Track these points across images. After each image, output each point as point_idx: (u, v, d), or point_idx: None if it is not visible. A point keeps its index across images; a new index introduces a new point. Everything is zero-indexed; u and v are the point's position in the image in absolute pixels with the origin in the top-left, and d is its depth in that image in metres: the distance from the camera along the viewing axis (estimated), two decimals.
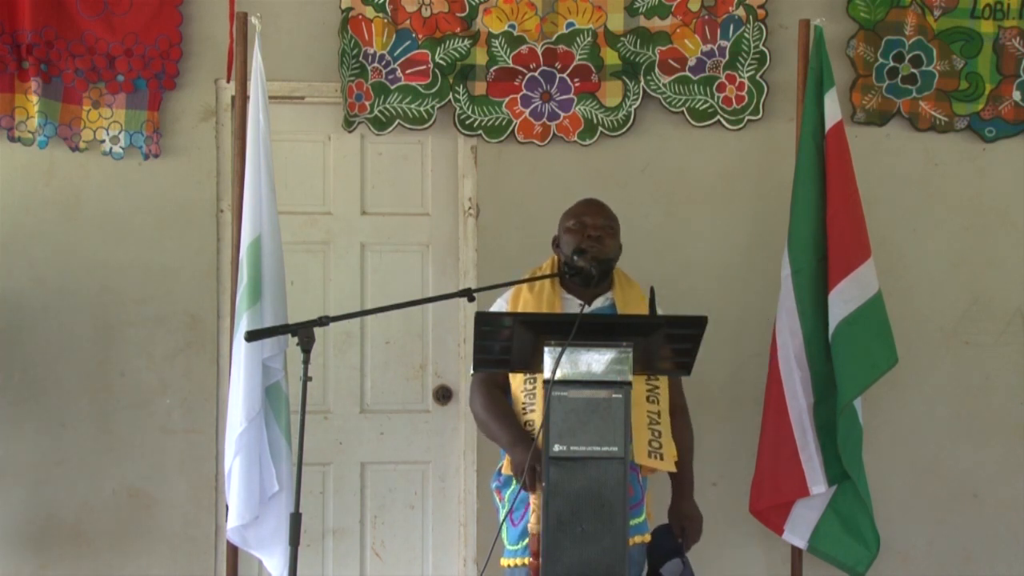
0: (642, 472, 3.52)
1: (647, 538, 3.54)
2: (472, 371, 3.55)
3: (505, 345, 3.22)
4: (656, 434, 3.49)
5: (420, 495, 4.55)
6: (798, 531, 4.21)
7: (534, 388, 3.46)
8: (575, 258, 3.52)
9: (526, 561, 3.35)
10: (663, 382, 3.57)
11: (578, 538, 3.08)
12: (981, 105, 4.56)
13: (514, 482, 3.41)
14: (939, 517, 4.60)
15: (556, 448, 3.09)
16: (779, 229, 4.27)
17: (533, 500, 3.27)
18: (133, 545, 4.38)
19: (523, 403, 3.50)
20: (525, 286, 3.63)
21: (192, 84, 4.41)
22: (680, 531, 3.64)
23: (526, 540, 3.37)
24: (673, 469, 3.53)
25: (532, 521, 3.27)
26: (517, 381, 3.52)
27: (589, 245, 3.55)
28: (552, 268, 3.69)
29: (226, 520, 3.98)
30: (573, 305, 3.56)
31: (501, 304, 3.66)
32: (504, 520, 3.48)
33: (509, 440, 3.44)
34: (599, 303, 3.62)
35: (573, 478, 3.10)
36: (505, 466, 3.47)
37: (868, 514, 4.14)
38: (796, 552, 4.30)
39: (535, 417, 3.43)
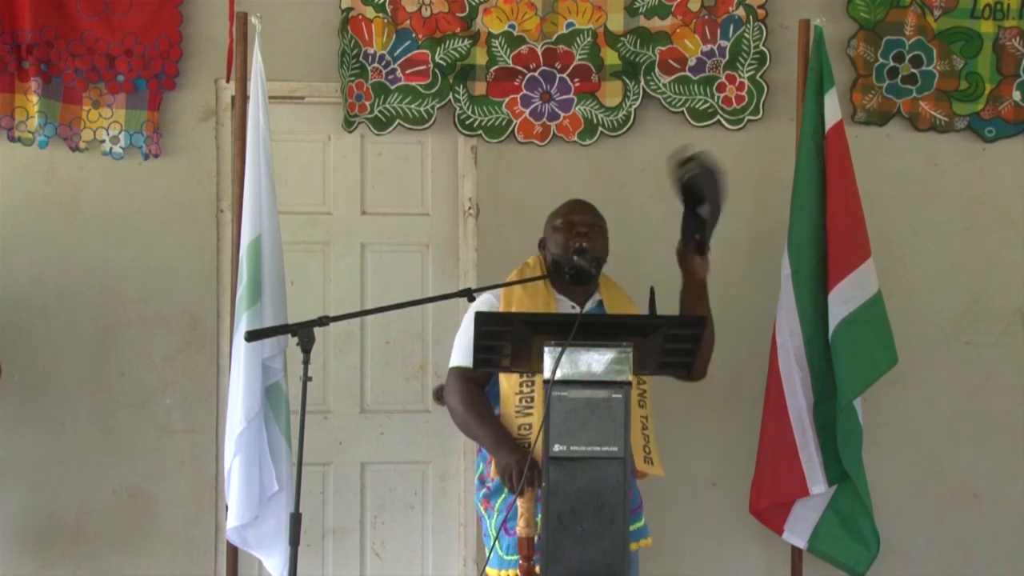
0: (636, 477, 3.49)
1: (649, 542, 3.53)
2: (451, 365, 3.53)
3: (504, 345, 3.21)
4: (647, 439, 3.47)
5: (420, 495, 4.55)
6: (798, 531, 4.21)
7: (532, 391, 3.40)
8: (575, 258, 3.47)
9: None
10: (649, 385, 3.54)
11: (578, 538, 3.08)
12: (981, 105, 4.55)
13: (505, 490, 3.37)
14: (939, 517, 4.59)
15: (556, 448, 3.08)
16: (779, 229, 4.27)
17: (521, 504, 3.24)
18: (133, 545, 4.37)
19: (517, 406, 3.42)
20: (518, 285, 3.57)
21: (192, 84, 4.41)
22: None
23: None
24: (662, 473, 3.51)
25: (520, 525, 3.23)
26: (511, 381, 3.44)
27: (581, 242, 3.49)
28: (539, 267, 3.62)
29: (226, 520, 3.98)
30: (566, 306, 3.54)
31: (491, 300, 3.57)
32: (498, 530, 3.44)
33: (492, 441, 3.37)
34: (590, 305, 3.57)
35: (573, 478, 3.09)
36: (493, 472, 3.40)
37: (868, 514, 4.14)
38: (796, 552, 4.30)
39: (532, 420, 3.38)
